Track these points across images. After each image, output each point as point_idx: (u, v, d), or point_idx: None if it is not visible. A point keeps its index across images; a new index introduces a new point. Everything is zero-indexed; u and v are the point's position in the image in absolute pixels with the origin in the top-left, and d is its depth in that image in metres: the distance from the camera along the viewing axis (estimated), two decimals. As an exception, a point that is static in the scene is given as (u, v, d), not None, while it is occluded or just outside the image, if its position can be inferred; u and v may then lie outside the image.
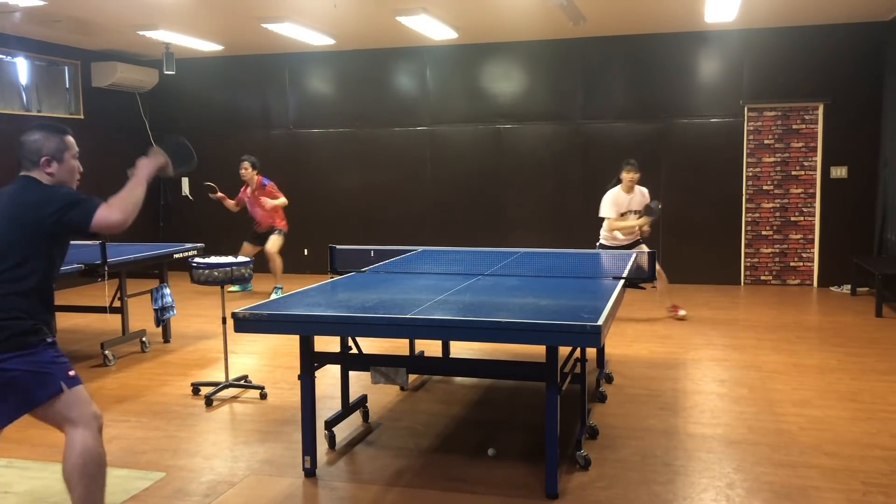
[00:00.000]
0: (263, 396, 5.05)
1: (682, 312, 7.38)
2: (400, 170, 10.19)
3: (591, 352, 5.35)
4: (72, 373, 2.79)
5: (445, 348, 5.52)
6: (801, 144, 9.08)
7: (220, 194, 8.68)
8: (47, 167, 2.87)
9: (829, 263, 9.08)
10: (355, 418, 4.54)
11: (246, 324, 3.55)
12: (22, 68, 9.25)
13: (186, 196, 10.86)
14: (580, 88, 9.56)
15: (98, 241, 5.59)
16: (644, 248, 7.18)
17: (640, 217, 7.14)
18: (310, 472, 3.77)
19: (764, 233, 9.27)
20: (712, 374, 5.50)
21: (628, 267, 4.97)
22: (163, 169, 3.09)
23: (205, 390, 5.12)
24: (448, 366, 4.76)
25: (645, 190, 7.28)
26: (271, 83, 10.53)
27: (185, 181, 10.78)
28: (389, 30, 8.63)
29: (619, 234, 7.17)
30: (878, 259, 8.48)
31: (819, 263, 9.15)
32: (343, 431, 4.33)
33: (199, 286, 5.28)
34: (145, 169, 3.01)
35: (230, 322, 3.69)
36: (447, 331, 3.50)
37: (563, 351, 3.74)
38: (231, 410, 4.83)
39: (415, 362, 4.50)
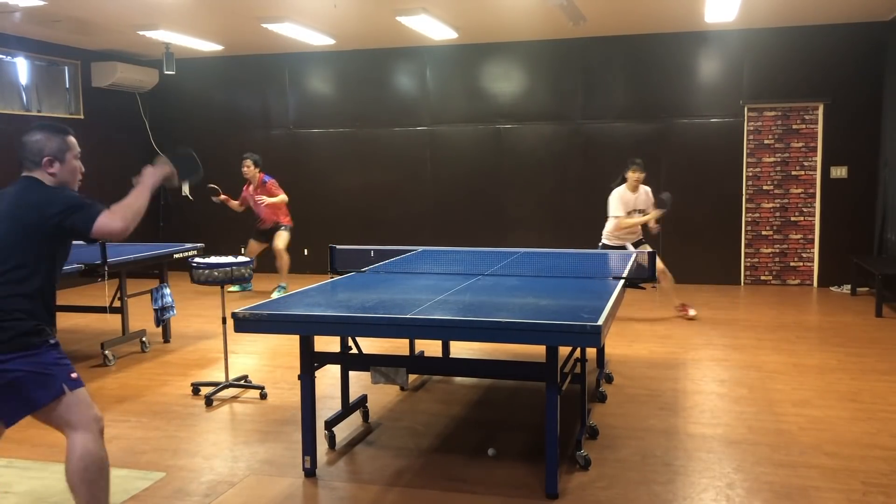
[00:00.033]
0: (263, 396, 5.05)
1: (692, 312, 7.36)
2: (400, 170, 10.19)
3: (591, 352, 5.35)
4: (74, 375, 2.78)
5: (445, 348, 5.52)
6: (801, 144, 9.08)
7: (222, 197, 8.67)
8: (49, 167, 2.86)
9: (829, 263, 9.08)
10: (355, 418, 4.54)
11: (246, 324, 3.55)
12: (22, 68, 9.25)
13: (186, 196, 10.82)
14: (580, 88, 9.57)
15: (97, 242, 5.58)
16: (647, 248, 7.19)
17: (652, 210, 7.18)
18: (310, 472, 3.77)
19: (764, 233, 9.27)
20: (712, 374, 5.50)
21: (628, 267, 4.97)
22: (168, 179, 3.09)
23: (205, 390, 5.12)
24: (448, 366, 4.76)
25: (648, 189, 7.29)
26: (271, 83, 10.53)
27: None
28: (389, 30, 8.63)
29: (621, 234, 7.17)
30: (878, 259, 8.48)
31: (819, 263, 9.15)
32: (343, 431, 4.33)
33: (199, 286, 5.28)
34: (150, 178, 3.01)
35: (230, 322, 3.69)
36: (447, 331, 3.50)
37: (563, 351, 3.74)
38: (231, 410, 4.83)
39: (415, 362, 4.50)
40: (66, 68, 9.82)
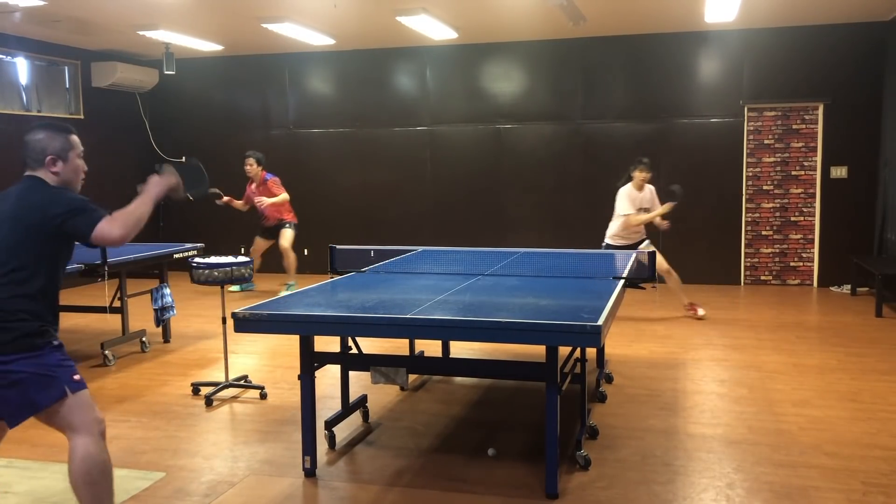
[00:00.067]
0: (263, 396, 5.05)
1: (701, 312, 7.37)
2: (400, 170, 10.19)
3: (591, 352, 5.35)
4: (76, 377, 2.77)
5: (445, 348, 5.52)
6: (801, 144, 9.08)
7: (225, 199, 8.65)
8: (52, 166, 2.86)
9: (829, 263, 9.08)
10: (355, 418, 4.54)
11: (246, 324, 3.55)
12: (22, 68, 9.24)
13: (186, 196, 10.84)
14: (580, 88, 9.56)
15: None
16: (650, 247, 7.20)
17: (656, 208, 7.20)
18: (310, 472, 3.77)
19: (764, 233, 9.27)
20: (712, 374, 5.50)
21: (628, 267, 4.97)
22: (174, 190, 3.07)
23: (205, 390, 5.12)
24: (448, 366, 4.76)
25: (652, 188, 7.31)
26: (271, 83, 10.53)
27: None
28: (389, 30, 8.63)
29: (627, 233, 7.19)
30: (878, 259, 8.48)
31: (819, 263, 9.15)
32: (343, 431, 4.33)
33: (199, 286, 5.28)
34: (155, 188, 3.00)
35: (230, 322, 3.69)
36: (447, 331, 3.50)
37: (563, 351, 3.74)
38: (231, 410, 4.83)
39: (415, 362, 4.49)
40: (66, 68, 9.82)
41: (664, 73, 9.28)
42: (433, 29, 8.36)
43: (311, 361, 3.80)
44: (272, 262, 9.10)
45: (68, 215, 2.73)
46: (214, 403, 4.94)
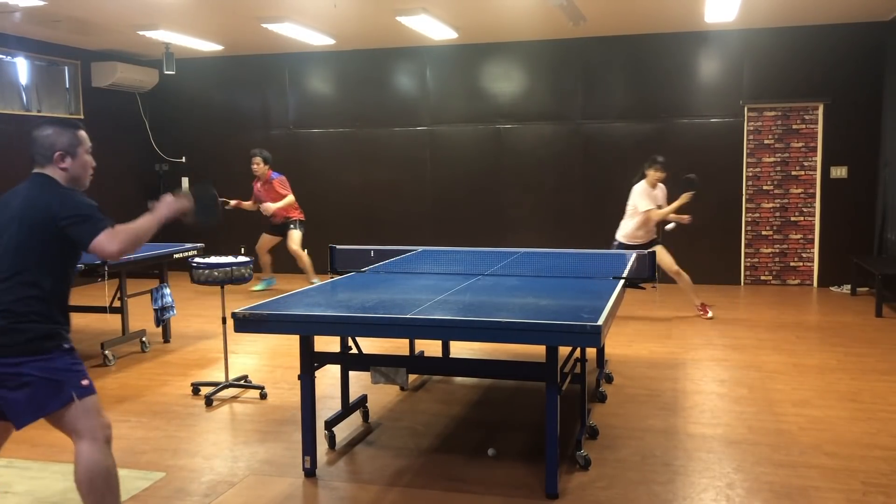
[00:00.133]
0: (263, 396, 5.05)
1: (710, 314, 7.39)
2: (400, 170, 10.19)
3: (591, 352, 5.35)
4: (85, 382, 2.76)
5: (445, 348, 5.52)
6: (801, 144, 9.08)
7: (233, 203, 8.62)
8: (61, 162, 2.83)
9: (829, 263, 9.07)
10: (355, 418, 4.54)
11: (246, 324, 3.55)
12: (22, 68, 9.24)
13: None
14: (580, 88, 9.56)
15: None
16: (660, 248, 7.22)
17: (666, 205, 7.24)
18: (310, 472, 3.77)
19: (764, 233, 9.27)
20: (712, 374, 5.50)
21: (628, 267, 4.97)
22: (184, 214, 3.05)
23: (205, 390, 5.12)
24: (448, 366, 4.75)
25: (664, 186, 7.32)
26: (271, 83, 10.53)
27: (185, 181, 10.77)
28: (389, 30, 8.63)
29: (643, 233, 7.20)
30: (878, 259, 8.48)
31: (819, 263, 9.14)
32: (343, 431, 4.33)
33: (200, 286, 5.28)
34: (166, 209, 2.98)
35: (230, 322, 3.69)
36: (447, 331, 3.50)
37: (563, 351, 3.74)
38: (231, 410, 4.83)
39: (415, 362, 4.49)
40: (66, 68, 9.82)
41: (664, 73, 9.28)
42: (433, 29, 8.36)
43: (311, 361, 3.80)
44: (288, 263, 9.06)
45: (74, 220, 2.71)
46: (214, 403, 4.94)
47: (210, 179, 3.33)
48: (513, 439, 4.23)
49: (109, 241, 2.73)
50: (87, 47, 9.79)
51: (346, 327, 3.55)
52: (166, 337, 6.68)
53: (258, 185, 8.71)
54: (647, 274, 4.68)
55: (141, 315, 6.80)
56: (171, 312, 6.29)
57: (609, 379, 5.31)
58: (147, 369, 5.83)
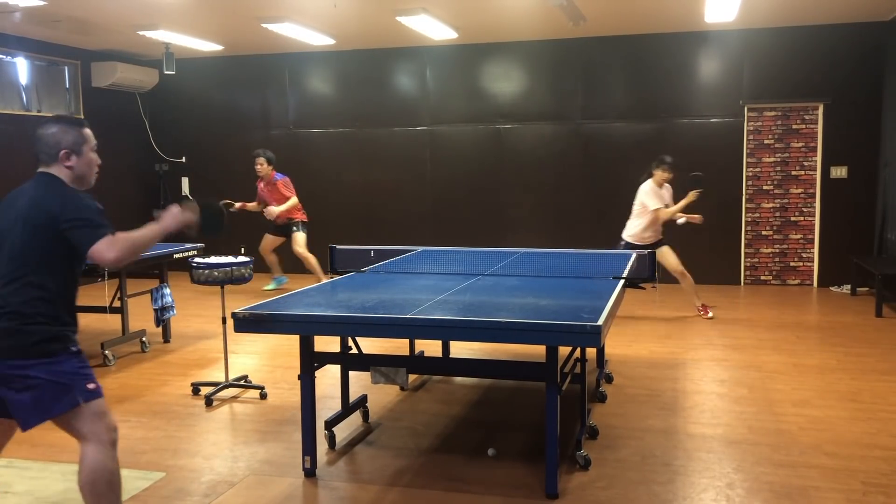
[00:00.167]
0: (263, 396, 5.05)
1: (710, 314, 7.41)
2: (400, 170, 10.19)
3: (591, 352, 5.35)
4: (91, 385, 2.74)
5: (445, 348, 5.52)
6: (801, 144, 9.08)
7: (238, 205, 8.61)
8: (66, 161, 2.81)
9: (829, 263, 9.08)
10: (355, 418, 4.54)
11: (246, 324, 3.55)
12: (22, 68, 9.25)
13: (186, 196, 10.86)
14: (580, 88, 9.56)
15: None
16: (666, 248, 7.22)
17: (673, 205, 7.26)
18: (310, 472, 3.77)
19: (764, 233, 9.27)
20: (712, 374, 5.50)
21: (628, 267, 4.97)
22: (188, 227, 3.00)
23: (205, 390, 5.12)
24: (448, 366, 4.76)
25: (669, 186, 7.34)
26: (271, 83, 10.53)
27: (185, 181, 10.78)
28: (389, 30, 8.63)
29: (651, 233, 7.22)
30: (878, 259, 8.48)
31: (819, 263, 9.15)
32: (343, 431, 4.33)
33: (200, 286, 5.28)
34: (171, 221, 2.92)
35: (230, 322, 3.69)
36: (447, 331, 3.50)
37: (563, 351, 3.74)
38: (231, 410, 4.83)
39: (415, 362, 4.50)
40: (66, 68, 9.82)
41: (664, 73, 9.28)
42: (433, 29, 8.36)
43: (311, 361, 3.80)
44: (296, 266, 9.05)
45: (76, 224, 2.69)
46: (214, 403, 4.94)
47: (217, 201, 3.29)
48: (513, 439, 4.23)
49: (108, 248, 2.69)
50: (87, 47, 9.79)
51: (346, 327, 3.55)
52: (166, 337, 6.68)
53: (262, 185, 8.70)
54: (647, 274, 4.68)
55: (141, 315, 6.79)
56: (171, 312, 6.29)
57: (609, 379, 5.31)
58: (147, 369, 5.83)
